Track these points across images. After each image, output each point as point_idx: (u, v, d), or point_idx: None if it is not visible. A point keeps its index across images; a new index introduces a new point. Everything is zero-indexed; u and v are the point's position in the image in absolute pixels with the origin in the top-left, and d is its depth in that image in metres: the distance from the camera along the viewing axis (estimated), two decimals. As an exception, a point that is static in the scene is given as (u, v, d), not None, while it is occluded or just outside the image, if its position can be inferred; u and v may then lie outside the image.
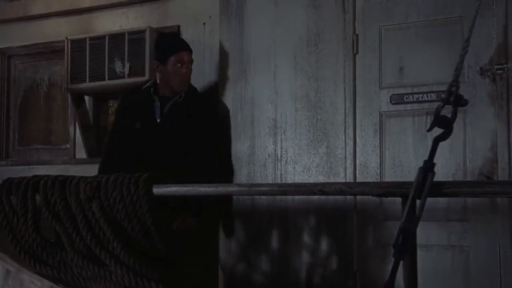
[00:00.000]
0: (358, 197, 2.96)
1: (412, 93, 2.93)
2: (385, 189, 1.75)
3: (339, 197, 2.92)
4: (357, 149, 3.04)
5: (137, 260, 2.09)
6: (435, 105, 2.92)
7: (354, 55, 3.07)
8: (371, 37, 3.04)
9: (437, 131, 1.74)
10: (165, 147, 3.09)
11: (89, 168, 3.86)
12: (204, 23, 3.72)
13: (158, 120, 3.15)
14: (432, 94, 2.89)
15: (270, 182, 3.19)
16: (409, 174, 2.92)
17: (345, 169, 3.05)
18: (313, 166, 3.14)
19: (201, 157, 3.09)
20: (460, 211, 2.79)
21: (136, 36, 3.65)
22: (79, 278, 2.20)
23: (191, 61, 3.22)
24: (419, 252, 2.84)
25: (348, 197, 2.95)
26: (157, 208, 2.10)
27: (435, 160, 2.85)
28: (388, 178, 2.97)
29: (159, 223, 2.12)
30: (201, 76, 3.57)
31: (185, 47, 3.23)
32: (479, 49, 2.80)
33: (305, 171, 3.15)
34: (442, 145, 2.87)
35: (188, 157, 3.07)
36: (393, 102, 2.99)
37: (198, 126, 3.13)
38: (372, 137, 3.03)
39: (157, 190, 2.08)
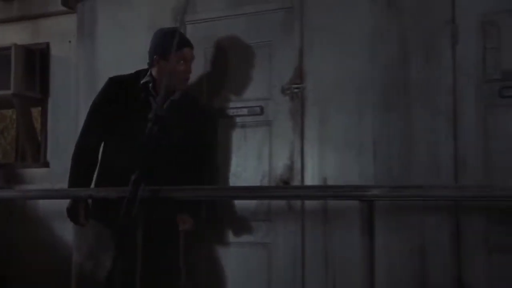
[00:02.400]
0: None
1: (231, 108, 3.31)
2: (146, 193, 2.11)
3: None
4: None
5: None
6: (247, 118, 3.34)
7: (185, 75, 3.44)
8: (198, 58, 3.41)
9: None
10: (161, 146, 2.87)
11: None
12: (70, 41, 4.06)
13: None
14: (245, 109, 3.28)
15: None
16: (230, 179, 3.31)
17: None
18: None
19: (197, 157, 3.11)
20: (264, 212, 3.18)
21: (3, 53, 3.97)
22: None
23: (193, 59, 3.13)
24: (232, 249, 3.26)
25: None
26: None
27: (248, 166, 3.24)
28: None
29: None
30: (66, 91, 3.92)
31: (189, 44, 3.09)
32: (281, 70, 3.20)
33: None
34: (252, 154, 3.28)
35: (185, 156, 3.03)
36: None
37: (194, 127, 3.09)
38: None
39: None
